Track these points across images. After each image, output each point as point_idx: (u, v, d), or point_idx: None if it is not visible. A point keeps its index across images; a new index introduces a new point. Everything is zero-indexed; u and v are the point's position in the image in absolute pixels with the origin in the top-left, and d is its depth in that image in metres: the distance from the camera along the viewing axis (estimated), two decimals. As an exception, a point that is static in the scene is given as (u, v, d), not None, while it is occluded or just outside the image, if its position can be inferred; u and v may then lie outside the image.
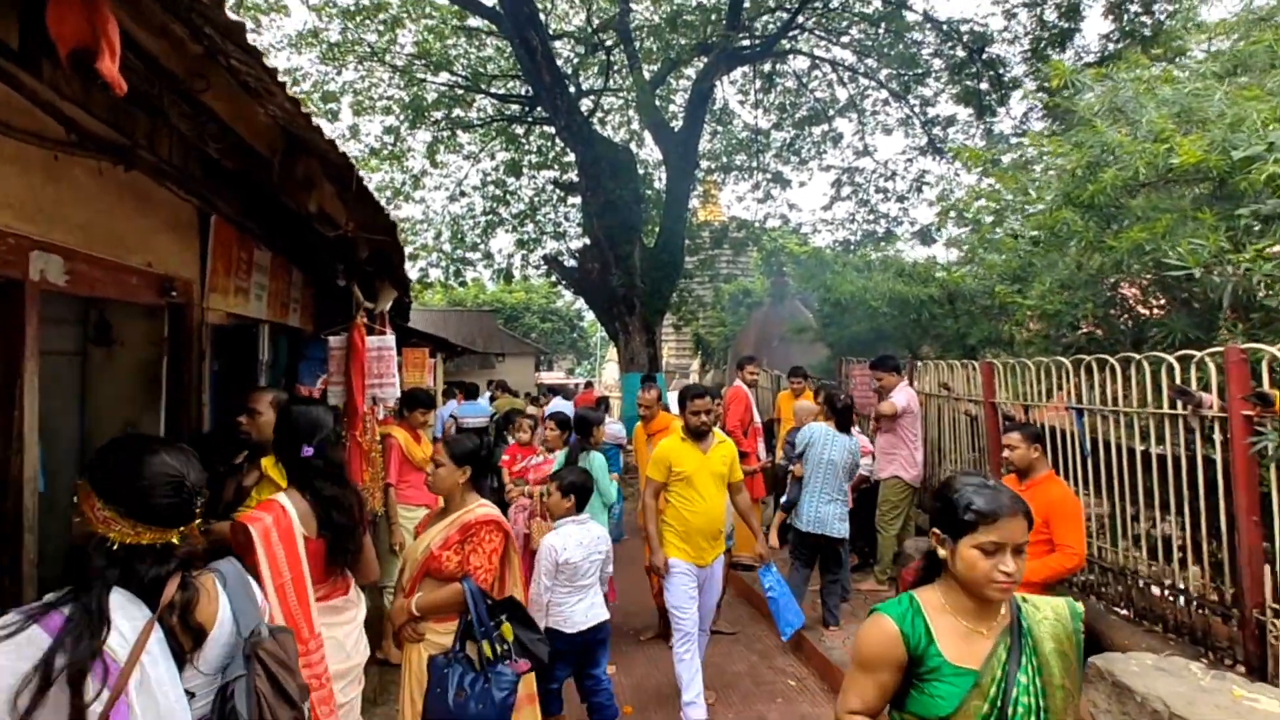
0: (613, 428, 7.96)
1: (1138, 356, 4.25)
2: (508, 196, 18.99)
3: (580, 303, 36.01)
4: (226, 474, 3.09)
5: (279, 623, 2.27)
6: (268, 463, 2.93)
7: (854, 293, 7.93)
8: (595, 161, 14.54)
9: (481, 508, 2.98)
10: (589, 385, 16.19)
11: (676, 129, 15.60)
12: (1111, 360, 4.42)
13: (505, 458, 5.78)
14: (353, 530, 2.62)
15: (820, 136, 18.72)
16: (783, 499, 5.31)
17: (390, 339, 4.51)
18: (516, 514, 5.08)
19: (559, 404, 10.03)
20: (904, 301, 7.32)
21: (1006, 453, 4.18)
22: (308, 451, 2.60)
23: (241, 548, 2.31)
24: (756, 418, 6.51)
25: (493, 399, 11.97)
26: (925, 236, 16.81)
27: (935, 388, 6.49)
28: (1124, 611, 4.46)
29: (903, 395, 5.71)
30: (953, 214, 16.18)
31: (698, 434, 4.37)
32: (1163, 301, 4.87)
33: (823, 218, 19.80)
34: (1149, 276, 4.70)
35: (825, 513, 5.11)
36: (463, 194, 18.57)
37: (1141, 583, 4.41)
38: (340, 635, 2.58)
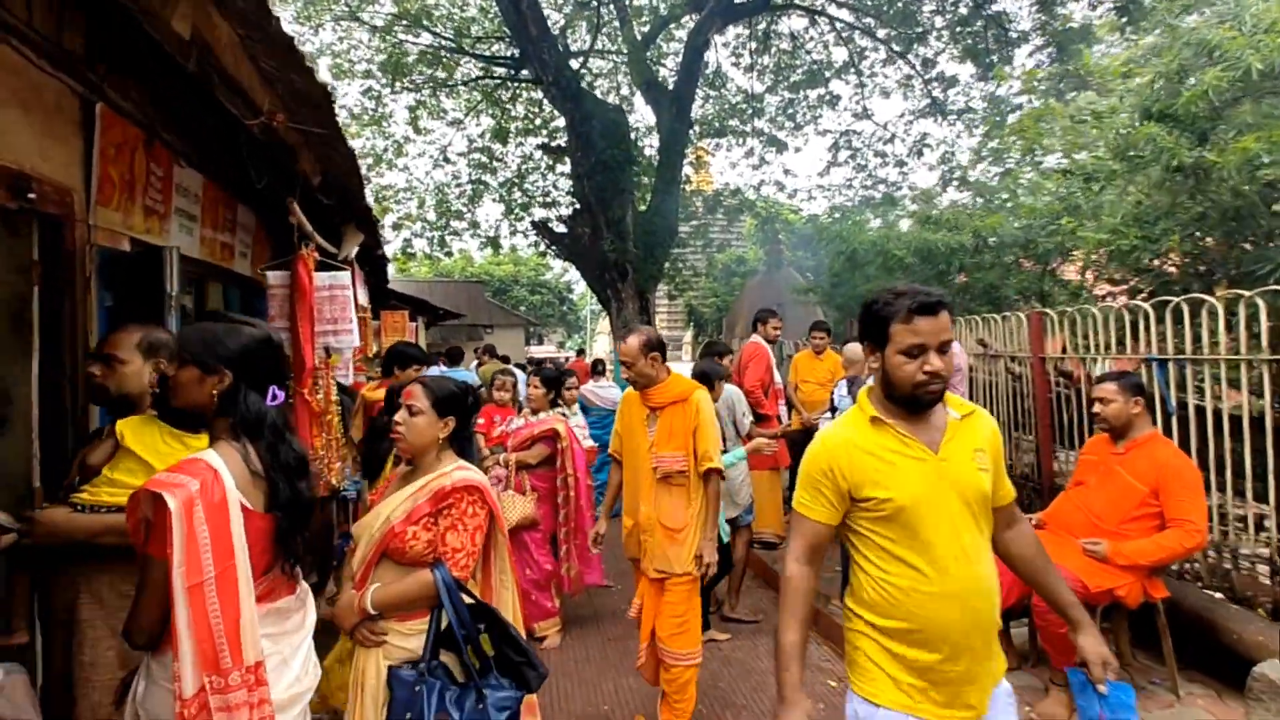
0: (610, 393, 7.11)
1: (1247, 294, 3.43)
2: (494, 164, 17.93)
3: (570, 275, 35.05)
4: (81, 445, 2.21)
5: (186, 644, 1.47)
6: (127, 426, 2.03)
7: (875, 242, 7.04)
8: (585, 120, 13.53)
9: (461, 470, 2.13)
10: (580, 353, 15.25)
11: (670, 87, 14.61)
12: (1211, 300, 3.60)
13: (481, 421, 4.92)
14: (310, 508, 1.78)
15: (816, 100, 17.75)
16: None
17: (345, 276, 3.61)
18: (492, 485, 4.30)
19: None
20: (930, 251, 6.46)
21: (1098, 407, 3.36)
22: (278, 397, 1.76)
23: (144, 532, 1.51)
24: (777, 378, 5.68)
25: (479, 365, 11.07)
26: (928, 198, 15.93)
27: (970, 345, 5.67)
28: (1221, 595, 3.69)
29: (961, 352, 4.88)
30: (955, 179, 15.26)
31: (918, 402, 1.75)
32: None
33: (819, 184, 18.93)
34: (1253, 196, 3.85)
35: None
36: (446, 160, 17.48)
37: (1247, 563, 3.63)
38: (285, 651, 1.71)
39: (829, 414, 5.14)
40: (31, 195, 2.38)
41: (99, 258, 2.76)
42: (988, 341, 5.58)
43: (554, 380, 4.53)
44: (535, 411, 4.45)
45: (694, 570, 3.13)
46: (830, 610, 4.47)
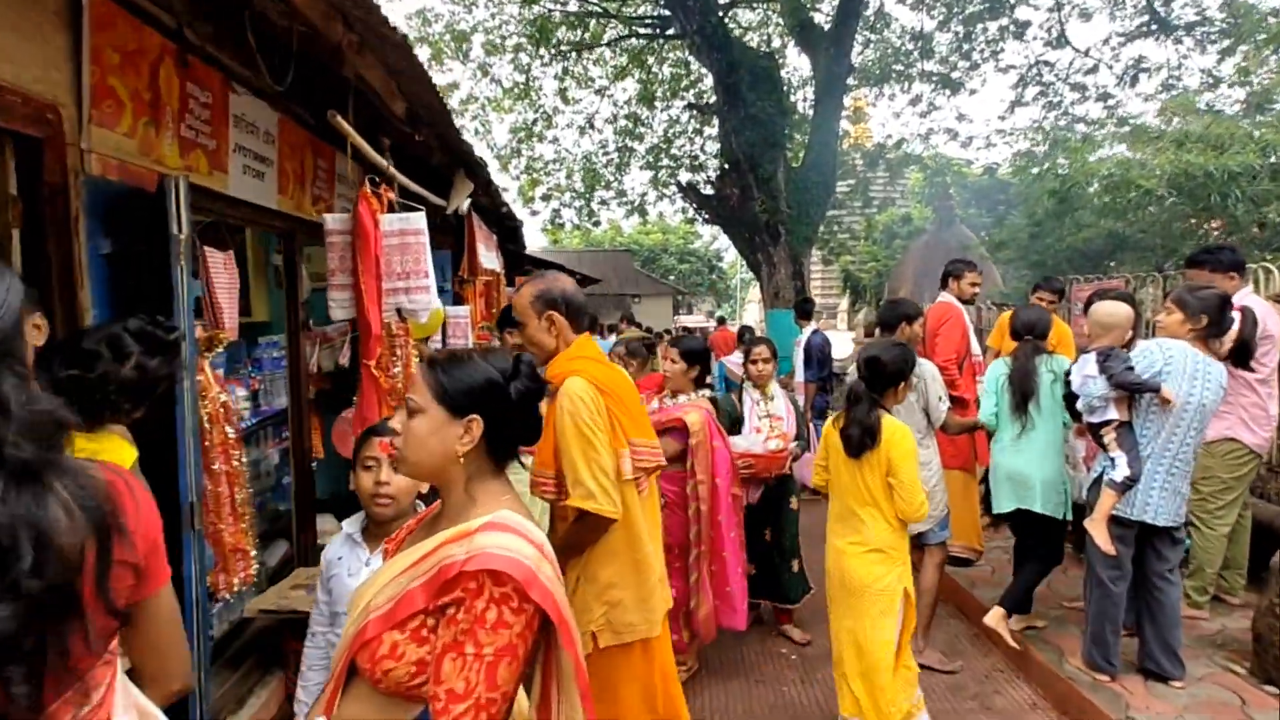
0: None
1: None
2: (640, 129, 17.03)
3: (719, 242, 33.72)
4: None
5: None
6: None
7: (1112, 171, 5.33)
8: (733, 70, 12.23)
9: (494, 531, 1.10)
10: (721, 321, 14.08)
11: (827, 29, 12.94)
12: None
13: None
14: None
15: (998, 32, 15.16)
16: (1117, 469, 2.88)
17: (419, 219, 2.78)
18: None
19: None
20: (1195, 180, 4.71)
21: None
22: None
23: None
24: (975, 348, 4.33)
25: (618, 334, 10.31)
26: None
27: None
28: None
29: (1259, 305, 3.32)
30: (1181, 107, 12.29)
31: None
32: None
33: (998, 128, 16.33)
34: None
35: (1179, 488, 2.94)
36: (591, 126, 16.79)
37: None
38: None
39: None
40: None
41: (101, 194, 2.09)
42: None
43: (698, 354, 3.37)
44: (675, 394, 3.37)
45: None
46: (1068, 673, 3.18)
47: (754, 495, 3.66)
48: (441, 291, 4.96)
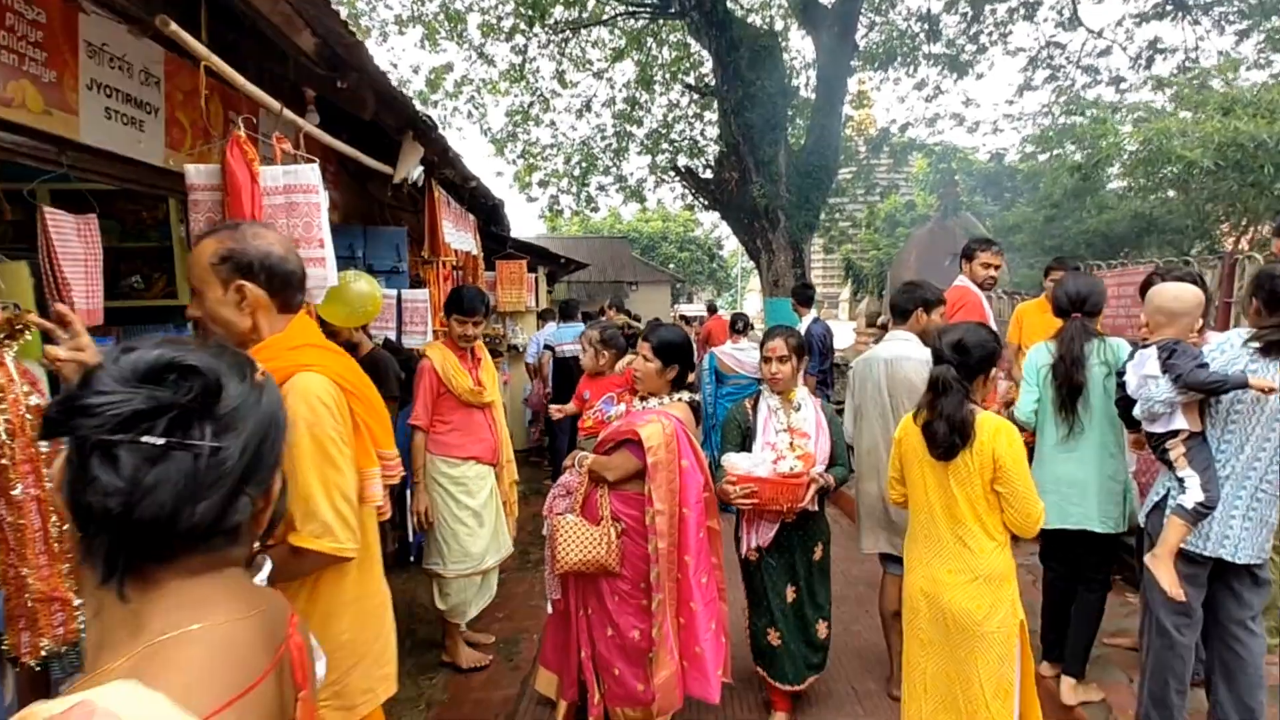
0: (751, 357, 5.39)
1: None
2: (637, 112, 16.31)
3: (720, 230, 32.95)
4: None
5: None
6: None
7: (1148, 139, 4.66)
8: (733, 49, 11.55)
9: None
10: (713, 310, 13.46)
11: (830, 4, 12.21)
12: None
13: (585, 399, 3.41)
14: None
15: (1006, 14, 14.39)
16: (1187, 493, 2.25)
17: (312, 173, 2.15)
18: (553, 499, 2.67)
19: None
20: (1239, 148, 4.06)
21: None
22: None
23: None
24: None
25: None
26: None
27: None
28: None
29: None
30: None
31: None
32: None
33: (1006, 113, 15.59)
34: None
35: (1266, 517, 2.30)
36: (589, 109, 16.09)
37: None
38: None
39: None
40: None
41: None
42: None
43: (676, 350, 2.60)
44: (647, 397, 2.65)
45: None
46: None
47: (765, 536, 2.74)
48: (395, 272, 4.37)
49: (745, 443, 2.80)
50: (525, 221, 25.52)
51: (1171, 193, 5.12)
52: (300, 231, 2.04)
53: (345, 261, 4.16)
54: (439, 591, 3.31)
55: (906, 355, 2.86)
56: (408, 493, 4.22)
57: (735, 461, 2.64)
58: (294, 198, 2.03)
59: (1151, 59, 12.89)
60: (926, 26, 14.39)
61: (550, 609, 2.64)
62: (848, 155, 14.84)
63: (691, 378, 2.72)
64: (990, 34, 14.47)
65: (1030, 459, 2.99)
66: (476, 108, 15.89)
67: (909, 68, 15.25)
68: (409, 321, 4.25)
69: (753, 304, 26.31)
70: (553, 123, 16.61)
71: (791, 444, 2.73)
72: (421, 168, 3.82)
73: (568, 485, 2.60)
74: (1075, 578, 2.85)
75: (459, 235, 5.44)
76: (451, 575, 3.28)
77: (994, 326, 3.66)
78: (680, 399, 2.61)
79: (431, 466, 3.28)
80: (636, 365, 2.62)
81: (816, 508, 2.78)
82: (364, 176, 4.13)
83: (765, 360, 2.84)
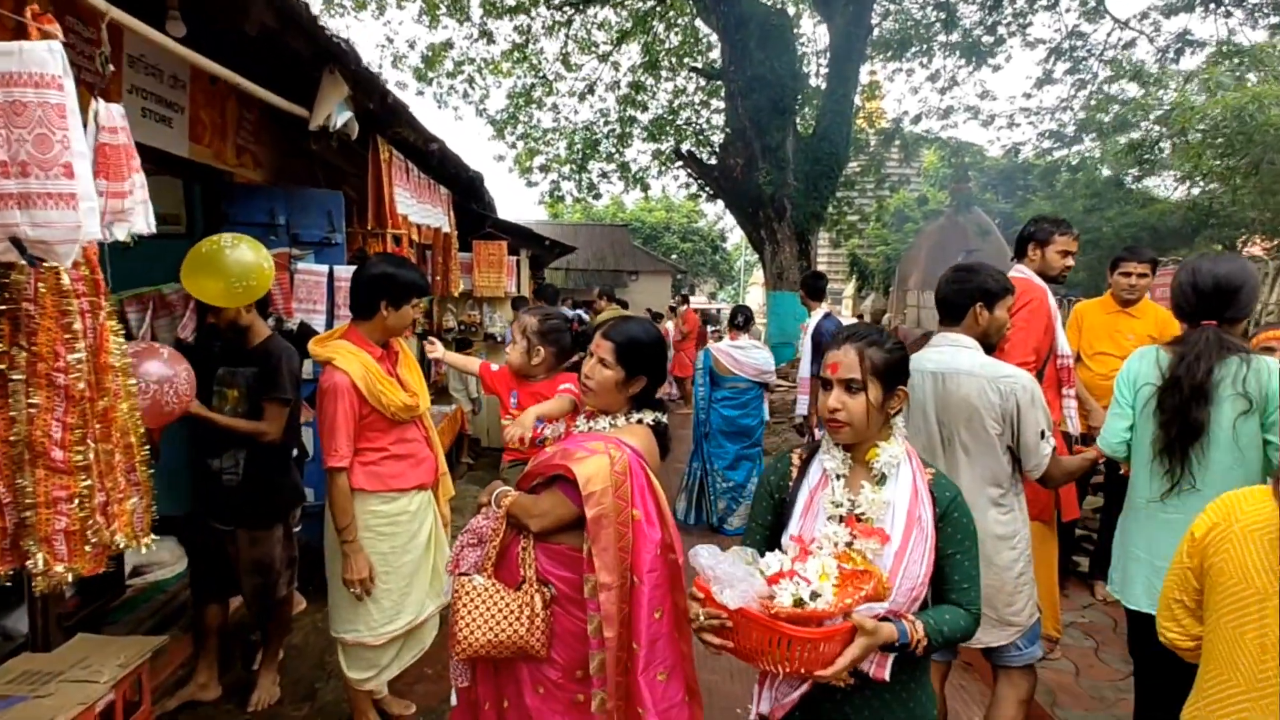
0: (752, 356, 4.58)
1: None
2: (640, 96, 15.38)
3: (724, 221, 31.86)
4: None
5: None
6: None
7: (1243, 105, 3.77)
8: (740, 25, 10.65)
9: None
10: (684, 300, 12.22)
11: (846, -16, 11.28)
12: None
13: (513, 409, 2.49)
14: None
15: (1026, 2, 13.43)
16: None
17: (47, 56, 1.31)
18: (461, 549, 1.80)
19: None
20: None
21: None
22: None
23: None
24: (1064, 345, 2.87)
25: (588, 311, 8.84)
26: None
27: None
28: None
29: None
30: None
31: None
32: None
33: (1023, 106, 14.67)
34: None
35: None
36: (591, 91, 15.18)
37: None
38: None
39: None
40: None
41: None
42: None
43: (645, 355, 1.77)
44: (593, 414, 1.83)
45: None
46: None
47: (782, 700, 1.40)
48: (327, 244, 3.55)
49: (778, 526, 1.51)
50: (527, 207, 24.66)
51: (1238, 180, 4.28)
52: (30, 151, 1.22)
53: (264, 230, 3.35)
54: (350, 658, 2.47)
55: (967, 369, 2.04)
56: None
57: (706, 566, 1.27)
58: (17, 94, 1.21)
59: (1180, 52, 11.93)
60: (944, 15, 13.44)
61: (454, 699, 1.86)
62: (857, 147, 13.93)
63: (664, 390, 1.89)
64: (1009, 24, 13.51)
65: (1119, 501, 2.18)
66: (475, 88, 14.99)
67: (924, 57, 14.34)
68: (342, 304, 3.44)
69: (755, 298, 25.46)
70: (555, 106, 15.66)
71: (848, 546, 1.35)
72: (351, 114, 2.99)
73: (479, 532, 1.79)
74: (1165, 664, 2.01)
75: (421, 208, 4.63)
76: (380, 641, 2.40)
77: (1061, 329, 2.86)
78: (641, 420, 1.79)
79: (362, 510, 2.34)
80: (589, 371, 1.80)
81: (887, 676, 1.32)
82: (296, 128, 3.31)
83: (824, 384, 1.48)
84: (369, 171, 3.65)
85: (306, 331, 3.00)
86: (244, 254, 2.29)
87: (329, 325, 3.44)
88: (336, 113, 2.88)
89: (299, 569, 3.22)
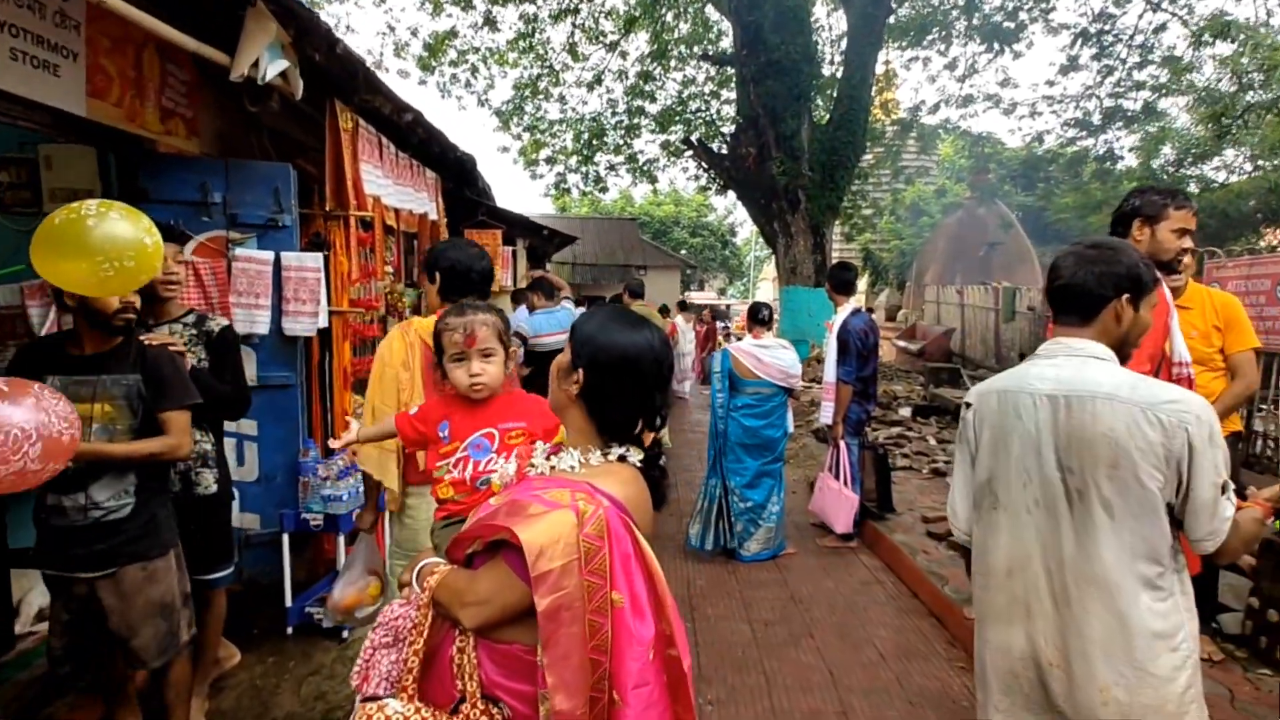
0: (778, 357, 3.94)
1: None
2: (650, 86, 14.67)
3: (734, 215, 31.05)
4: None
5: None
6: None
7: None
8: (754, 8, 9.96)
9: None
10: (631, 291, 9.31)
11: (865, -36, 10.56)
12: None
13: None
14: None
15: (1051, -15, 12.61)
16: None
17: None
18: (372, 654, 1.17)
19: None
20: None
21: None
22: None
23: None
24: (1181, 349, 2.18)
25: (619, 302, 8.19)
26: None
27: None
28: None
29: None
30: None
31: None
32: None
33: (1046, 94, 13.86)
34: None
35: None
36: (599, 82, 14.49)
37: None
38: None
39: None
40: None
41: None
42: None
43: (620, 369, 1.12)
44: (556, 449, 1.20)
45: None
46: None
47: None
48: (273, 227, 2.93)
49: None
50: (532, 200, 24.03)
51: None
52: None
53: (193, 209, 2.74)
54: None
55: (1107, 391, 1.39)
56: (284, 537, 2.84)
57: None
58: None
59: (1215, 37, 11.11)
60: (966, 3, 12.66)
61: None
62: (872, 138, 13.21)
63: (647, 439, 1.23)
64: (1031, 8, 12.70)
65: None
66: (479, 78, 14.34)
67: (942, 44, 13.57)
68: (291, 298, 2.83)
69: (766, 294, 24.76)
70: (562, 97, 14.99)
71: None
72: (288, 64, 2.36)
73: (394, 626, 1.18)
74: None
75: (400, 190, 4.01)
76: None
77: (1177, 329, 2.20)
78: (623, 457, 1.15)
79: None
80: (559, 389, 1.17)
81: None
82: (240, 91, 2.69)
83: None
84: (326, 141, 3.04)
85: (230, 339, 2.36)
86: (119, 228, 1.67)
87: (275, 323, 2.84)
88: (267, 59, 2.26)
89: (236, 614, 2.62)
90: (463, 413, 1.67)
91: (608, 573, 1.03)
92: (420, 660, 1.15)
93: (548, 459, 1.20)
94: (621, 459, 1.16)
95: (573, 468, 1.15)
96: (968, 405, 1.66)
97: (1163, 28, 11.95)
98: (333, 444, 1.87)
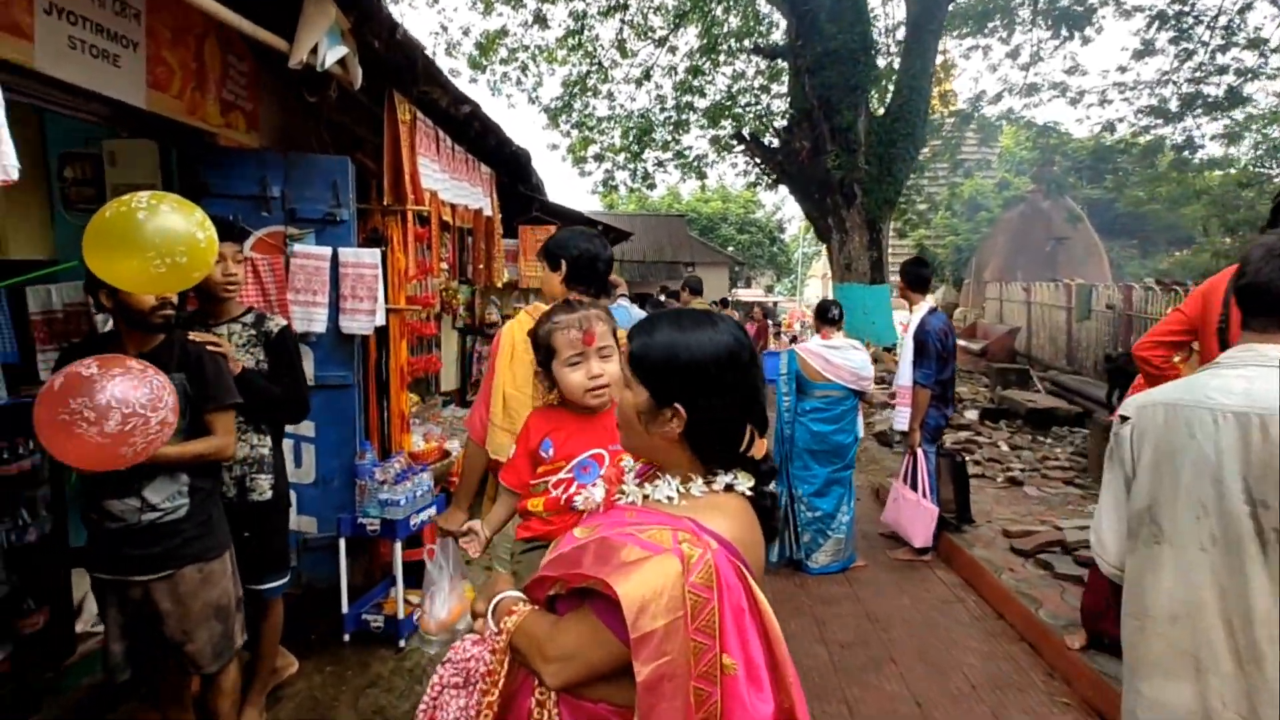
0: (848, 358, 3.68)
1: None
2: (699, 81, 14.38)
3: (783, 211, 30.40)
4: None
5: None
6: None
7: None
8: (810, -3, 9.61)
9: None
10: (723, 303, 9.35)
11: (927, -52, 10.09)
12: None
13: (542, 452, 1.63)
14: None
15: (1126, -35, 11.87)
16: None
17: None
18: (439, 694, 1.00)
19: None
20: None
21: None
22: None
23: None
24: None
25: (676, 303, 7.99)
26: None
27: None
28: None
29: None
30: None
31: None
32: None
33: (1117, 81, 13.06)
34: None
35: None
36: (647, 78, 14.28)
37: None
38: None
39: None
40: None
41: None
42: None
43: (691, 373, 0.91)
44: (650, 469, 1.00)
45: None
46: None
47: None
48: (331, 222, 2.82)
49: None
50: (580, 198, 24.03)
51: None
52: None
53: (253, 203, 2.66)
54: None
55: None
56: (341, 542, 2.74)
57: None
58: None
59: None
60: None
61: None
62: (930, 130, 12.66)
63: (760, 449, 1.02)
64: (1101, -9, 11.97)
65: None
66: (529, 75, 14.31)
67: (1004, 31, 12.91)
68: (349, 295, 2.73)
69: (814, 291, 24.18)
70: (610, 94, 14.84)
71: None
72: (347, 50, 2.24)
73: (465, 666, 1.01)
74: None
75: (456, 185, 3.88)
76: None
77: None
78: (730, 486, 0.96)
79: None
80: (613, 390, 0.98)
81: None
82: (298, 83, 2.60)
83: None
84: (385, 134, 2.92)
85: (289, 339, 2.25)
86: (166, 219, 1.55)
87: (332, 321, 2.74)
88: (326, 45, 2.13)
89: (293, 620, 2.53)
90: (569, 428, 1.46)
91: (717, 631, 0.83)
92: (497, 707, 0.98)
93: (639, 484, 1.01)
94: (729, 488, 0.96)
95: (670, 498, 0.96)
96: (1124, 419, 1.40)
97: (1248, 6, 11.11)
98: (471, 552, 1.56)
